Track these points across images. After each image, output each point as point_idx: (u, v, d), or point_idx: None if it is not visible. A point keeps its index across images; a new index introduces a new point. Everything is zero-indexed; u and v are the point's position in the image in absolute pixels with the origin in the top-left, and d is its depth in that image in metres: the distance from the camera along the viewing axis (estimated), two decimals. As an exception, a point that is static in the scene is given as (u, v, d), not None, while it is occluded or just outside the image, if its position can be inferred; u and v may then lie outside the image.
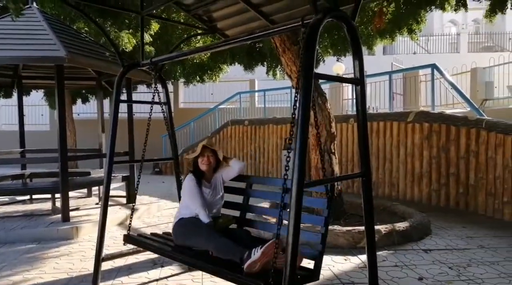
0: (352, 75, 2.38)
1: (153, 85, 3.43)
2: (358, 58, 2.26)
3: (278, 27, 2.47)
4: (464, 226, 5.21)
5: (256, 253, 2.31)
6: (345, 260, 3.96)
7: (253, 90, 14.34)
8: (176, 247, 2.95)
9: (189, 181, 3.03)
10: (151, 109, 3.44)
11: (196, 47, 7.23)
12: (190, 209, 2.99)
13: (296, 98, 2.13)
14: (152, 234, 3.44)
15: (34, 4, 6.19)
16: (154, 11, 5.49)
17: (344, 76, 12.86)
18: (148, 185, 9.20)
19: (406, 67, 12.03)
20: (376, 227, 4.38)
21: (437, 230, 4.99)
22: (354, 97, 2.35)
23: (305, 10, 3.19)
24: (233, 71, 11.08)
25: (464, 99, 7.36)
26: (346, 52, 7.58)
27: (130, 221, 3.47)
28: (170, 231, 3.16)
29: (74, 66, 5.73)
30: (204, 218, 2.88)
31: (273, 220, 4.28)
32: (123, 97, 9.13)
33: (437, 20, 22.56)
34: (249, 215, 3.33)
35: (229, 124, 11.44)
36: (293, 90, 9.33)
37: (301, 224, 2.42)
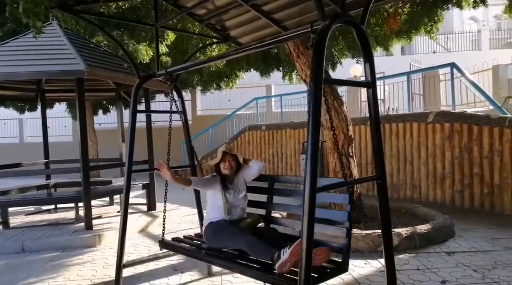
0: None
1: (170, 95, 3.50)
2: (369, 61, 2.26)
3: (288, 33, 2.49)
4: (489, 228, 5.06)
5: (285, 253, 2.38)
6: (365, 264, 3.91)
7: (270, 95, 14.37)
8: (209, 249, 3.01)
9: (209, 176, 3.18)
10: (170, 119, 3.48)
11: (209, 56, 7.33)
12: (218, 212, 3.06)
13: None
14: (185, 237, 3.48)
15: (55, 20, 6.41)
16: (169, 22, 5.62)
17: (361, 78, 12.76)
18: (168, 192, 9.31)
19: (425, 66, 11.83)
20: (397, 230, 4.32)
21: (461, 232, 4.87)
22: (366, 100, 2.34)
23: (315, 16, 3.20)
24: (249, 77, 11.17)
25: (485, 98, 7.17)
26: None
27: (164, 227, 3.51)
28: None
29: (94, 79, 5.90)
30: (191, 179, 3.08)
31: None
32: (142, 107, 9.34)
33: (457, 17, 22.05)
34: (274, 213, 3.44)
35: (247, 129, 11.49)
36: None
37: (326, 219, 2.54)
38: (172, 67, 3.49)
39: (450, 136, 6.55)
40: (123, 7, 6.29)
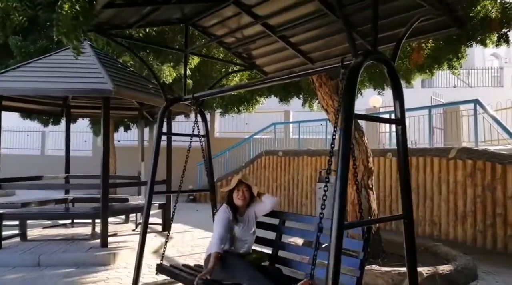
0: (388, 108, 2.37)
1: (193, 119, 3.56)
2: (398, 98, 2.26)
3: (317, 67, 2.52)
4: (513, 272, 4.86)
5: None
6: (383, 303, 3.78)
7: (288, 121, 14.41)
8: (207, 280, 2.88)
9: (221, 213, 3.04)
10: (190, 142, 3.52)
11: (236, 84, 7.43)
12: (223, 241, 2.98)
13: (334, 136, 2.16)
14: (184, 265, 3.43)
15: (86, 40, 6.65)
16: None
17: (381, 109, 12.73)
18: (182, 213, 9.31)
19: (446, 101, 11.73)
20: (418, 269, 4.16)
21: (484, 275, 4.68)
22: (395, 138, 2.32)
23: (343, 49, 3.25)
24: (269, 102, 11.25)
25: (509, 136, 7.03)
26: (384, 85, 7.57)
27: (164, 251, 3.52)
28: (203, 262, 3.16)
29: (119, 98, 6.05)
30: (214, 247, 2.87)
31: (306, 258, 4.19)
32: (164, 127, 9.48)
33: (479, 53, 21.98)
34: (281, 253, 3.26)
35: (263, 154, 11.49)
36: (329, 123, 9.27)
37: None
38: (194, 89, 3.59)
39: (472, 173, 6.41)
40: (154, 32, 6.51)
